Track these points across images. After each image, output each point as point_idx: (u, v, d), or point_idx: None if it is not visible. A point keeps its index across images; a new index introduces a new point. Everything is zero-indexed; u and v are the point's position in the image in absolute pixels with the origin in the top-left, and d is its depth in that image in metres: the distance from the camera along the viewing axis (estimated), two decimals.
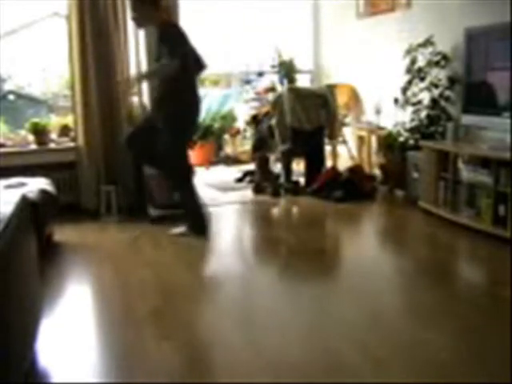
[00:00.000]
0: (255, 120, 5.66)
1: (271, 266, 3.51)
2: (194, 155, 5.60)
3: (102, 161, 4.61)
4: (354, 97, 6.22)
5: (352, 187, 4.91)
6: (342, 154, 6.03)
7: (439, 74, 4.62)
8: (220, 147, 6.90)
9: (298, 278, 3.23)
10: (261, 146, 5.43)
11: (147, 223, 4.33)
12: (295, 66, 6.80)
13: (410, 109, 4.80)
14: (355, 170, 5.09)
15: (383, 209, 4.79)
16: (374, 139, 5.54)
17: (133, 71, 4.72)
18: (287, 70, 6.70)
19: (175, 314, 2.78)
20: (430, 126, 4.63)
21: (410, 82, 4.75)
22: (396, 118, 4.96)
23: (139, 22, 3.87)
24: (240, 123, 6.84)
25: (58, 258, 3.66)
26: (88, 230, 4.26)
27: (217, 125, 6.76)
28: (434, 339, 2.40)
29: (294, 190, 5.21)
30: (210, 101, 7.07)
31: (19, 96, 6.29)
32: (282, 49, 6.79)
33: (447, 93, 4.55)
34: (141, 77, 4.34)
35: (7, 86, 6.18)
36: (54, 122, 5.06)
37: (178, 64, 3.54)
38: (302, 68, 6.94)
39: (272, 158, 5.51)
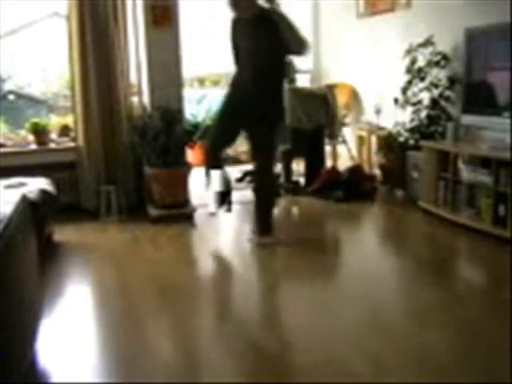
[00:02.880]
0: None
1: (271, 267, 3.51)
2: (193, 155, 5.60)
3: (102, 161, 4.61)
4: (354, 97, 6.22)
5: (352, 187, 4.91)
6: (342, 154, 6.03)
7: (439, 74, 4.62)
8: None
9: (299, 279, 3.23)
10: None
11: (147, 223, 4.33)
12: (295, 66, 6.79)
13: (410, 109, 4.80)
14: (355, 170, 5.09)
15: (383, 209, 4.79)
16: (374, 139, 5.54)
17: (133, 71, 4.74)
18: (287, 70, 6.68)
19: (175, 313, 2.78)
20: (429, 126, 4.63)
21: (410, 82, 4.75)
22: (396, 118, 4.96)
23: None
24: None
25: (58, 258, 3.66)
26: (88, 229, 4.26)
27: None
28: (434, 339, 2.40)
29: (294, 189, 5.21)
30: (210, 101, 7.07)
31: (19, 96, 6.29)
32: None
33: (447, 93, 4.55)
34: None
35: (7, 86, 6.18)
36: (54, 122, 5.06)
37: None
38: (301, 68, 6.93)
39: None
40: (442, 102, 4.57)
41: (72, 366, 2.29)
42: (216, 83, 7.34)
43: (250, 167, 5.73)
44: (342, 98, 5.88)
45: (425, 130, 4.64)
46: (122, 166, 4.65)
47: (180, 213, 4.38)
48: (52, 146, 4.74)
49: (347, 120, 6.22)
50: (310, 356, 2.30)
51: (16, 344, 1.89)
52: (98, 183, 4.60)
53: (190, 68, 5.54)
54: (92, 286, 3.32)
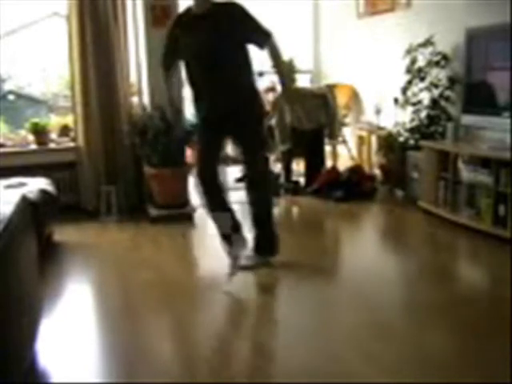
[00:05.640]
0: None
1: (271, 267, 3.50)
2: (194, 155, 5.60)
3: (101, 161, 4.61)
4: (354, 97, 6.22)
5: (352, 187, 4.91)
6: (342, 154, 6.03)
7: (439, 74, 4.62)
8: None
9: (298, 279, 3.23)
10: None
11: (147, 223, 4.33)
12: (295, 66, 6.80)
13: (410, 109, 4.80)
14: (355, 170, 5.09)
15: (383, 209, 4.79)
16: (374, 139, 5.54)
17: (133, 71, 4.74)
18: (287, 70, 6.69)
19: (175, 313, 2.78)
20: (429, 126, 4.63)
21: (410, 82, 4.75)
22: (396, 118, 4.96)
23: None
24: None
25: (58, 258, 3.66)
26: (88, 230, 4.26)
27: None
28: (434, 339, 2.40)
29: (294, 189, 5.21)
30: None
31: (19, 96, 6.29)
32: (281, 49, 6.77)
33: (447, 93, 4.55)
34: None
35: (7, 86, 6.17)
36: (54, 122, 5.06)
37: None
38: (301, 68, 6.94)
39: (272, 158, 5.51)
40: (442, 102, 4.57)
41: (72, 365, 2.29)
42: None
43: None
44: (342, 98, 5.89)
45: (425, 130, 4.64)
46: (122, 166, 4.65)
47: (180, 213, 4.38)
48: (52, 146, 4.74)
49: (347, 120, 6.23)
50: (309, 356, 2.30)
51: (16, 344, 1.89)
52: (98, 183, 4.60)
53: None
54: (92, 285, 3.32)
